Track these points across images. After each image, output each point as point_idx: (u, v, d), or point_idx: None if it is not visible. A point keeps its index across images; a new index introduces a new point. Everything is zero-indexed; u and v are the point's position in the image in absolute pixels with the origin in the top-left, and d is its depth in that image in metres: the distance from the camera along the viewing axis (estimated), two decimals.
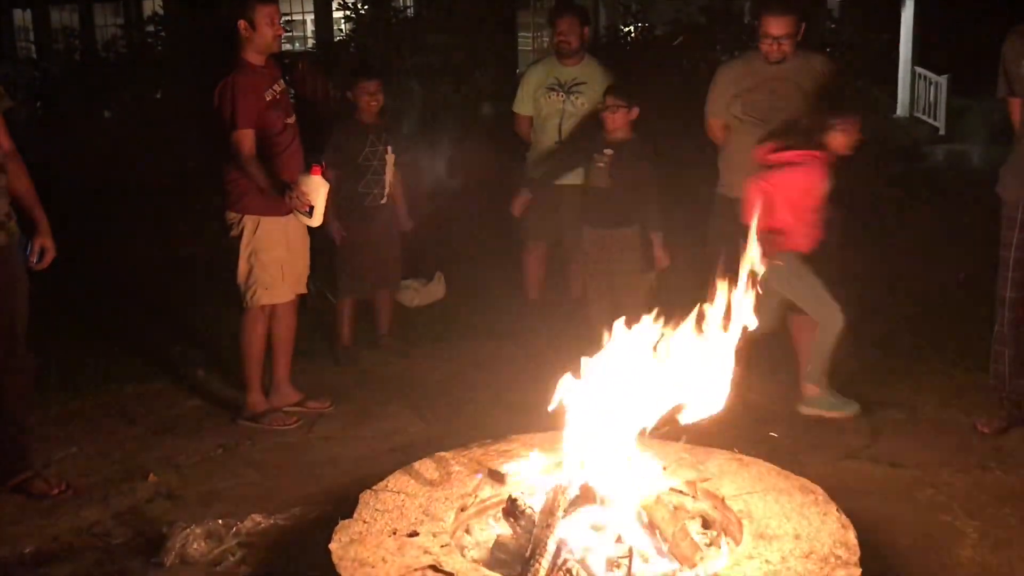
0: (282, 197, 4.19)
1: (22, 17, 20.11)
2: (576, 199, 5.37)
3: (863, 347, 5.43)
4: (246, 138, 4.20)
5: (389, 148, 5.27)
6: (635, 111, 5.00)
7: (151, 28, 11.10)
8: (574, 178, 5.47)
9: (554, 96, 5.52)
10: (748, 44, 6.72)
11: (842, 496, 3.10)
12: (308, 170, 4.23)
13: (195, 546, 3.24)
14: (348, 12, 9.84)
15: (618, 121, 4.98)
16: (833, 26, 12.42)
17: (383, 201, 5.27)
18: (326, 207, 4.33)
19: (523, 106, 5.69)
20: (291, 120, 4.43)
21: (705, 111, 4.80)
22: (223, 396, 4.89)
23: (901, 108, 16.63)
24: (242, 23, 4.26)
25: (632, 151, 5.01)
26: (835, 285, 4.47)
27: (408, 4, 11.80)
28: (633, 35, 12.43)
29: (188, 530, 3.28)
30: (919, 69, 16.38)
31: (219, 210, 4.49)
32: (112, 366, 5.29)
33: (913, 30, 16.96)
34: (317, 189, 4.21)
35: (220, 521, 3.36)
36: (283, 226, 4.37)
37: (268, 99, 4.31)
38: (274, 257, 4.37)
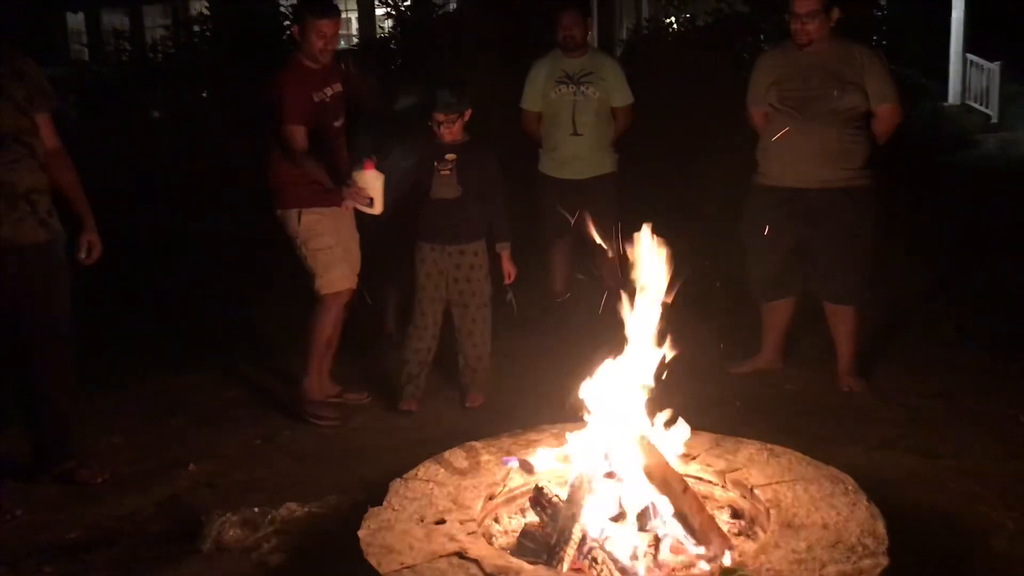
0: (335, 189, 4.26)
1: (75, 20, 20.56)
2: (597, 190, 5.41)
3: (903, 335, 5.38)
4: (298, 133, 4.25)
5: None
6: (467, 113, 4.51)
7: (197, 28, 11.28)
8: (592, 170, 5.52)
9: (564, 88, 5.51)
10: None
11: (876, 486, 3.07)
12: (361, 166, 4.25)
13: (231, 533, 3.31)
14: (389, 9, 9.93)
15: (456, 131, 4.48)
16: (881, 14, 12.24)
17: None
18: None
19: (532, 103, 5.68)
20: (339, 123, 4.48)
21: (746, 101, 4.77)
22: (263, 387, 4.98)
23: (953, 96, 16.33)
24: (295, 28, 4.39)
25: (475, 150, 4.53)
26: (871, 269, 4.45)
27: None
28: (675, 27, 12.37)
29: (224, 518, 3.35)
30: (971, 56, 16.06)
31: (263, 206, 4.56)
32: (155, 359, 5.40)
33: (964, 16, 16.60)
34: (373, 183, 4.25)
35: (256, 509, 3.42)
36: (329, 216, 4.40)
37: (317, 100, 4.35)
38: (323, 244, 4.41)
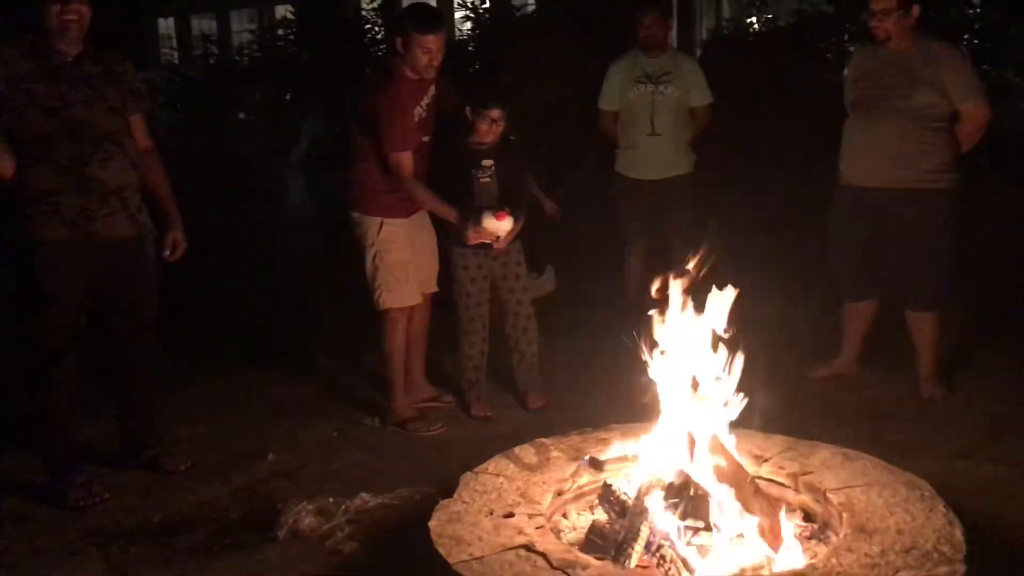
0: (461, 226, 4.19)
1: (165, 25, 21.22)
2: (674, 191, 5.43)
3: (988, 342, 5.23)
4: (404, 159, 4.13)
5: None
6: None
7: (281, 32, 11.55)
8: (670, 170, 5.52)
9: (643, 88, 5.49)
10: None
11: (955, 494, 3.00)
12: (495, 215, 4.16)
13: (307, 522, 3.40)
14: (468, 12, 10.01)
15: (499, 131, 4.32)
16: (973, 12, 11.88)
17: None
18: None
19: (610, 102, 5.67)
20: (427, 139, 4.28)
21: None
22: (340, 382, 5.09)
23: None
24: (398, 40, 4.15)
25: (507, 151, 4.39)
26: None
27: (528, 2, 11.92)
28: (757, 27, 12.21)
29: (300, 507, 3.44)
30: None
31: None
32: (237, 353, 5.55)
33: None
34: (500, 229, 4.19)
35: (331, 499, 3.51)
36: (408, 228, 4.34)
37: (416, 120, 4.19)
38: (398, 259, 4.31)
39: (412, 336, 4.55)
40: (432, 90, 4.27)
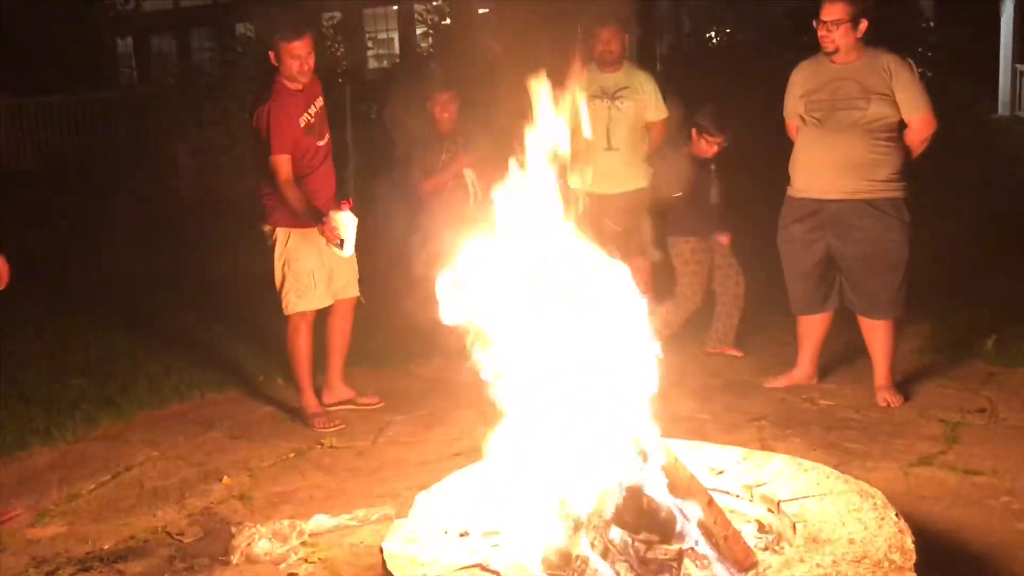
0: (315, 224, 4.38)
1: (123, 45, 21.06)
2: (630, 205, 5.46)
3: (944, 350, 5.29)
4: (283, 163, 4.40)
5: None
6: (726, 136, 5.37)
7: (240, 50, 11.50)
8: (626, 185, 5.55)
9: (599, 103, 5.52)
10: None
11: (911, 502, 3.04)
12: (338, 206, 4.41)
13: (261, 545, 3.35)
14: (428, 28, 10.05)
15: (710, 147, 5.37)
16: (926, 25, 12.09)
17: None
18: None
19: None
20: (323, 142, 4.61)
21: (783, 113, 4.75)
22: (298, 404, 5.03)
23: (1002, 107, 16.06)
24: (271, 54, 4.48)
25: (722, 163, 5.41)
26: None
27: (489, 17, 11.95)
28: (716, 40, 12.34)
29: (254, 530, 3.39)
30: (1020, 67, 15.80)
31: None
32: (196, 375, 5.48)
33: (1013, 27, 16.35)
34: (347, 224, 4.39)
35: (286, 522, 3.47)
36: (315, 237, 4.49)
37: (303, 125, 4.49)
38: (305, 267, 4.56)
39: (332, 339, 4.84)
40: (320, 101, 4.59)
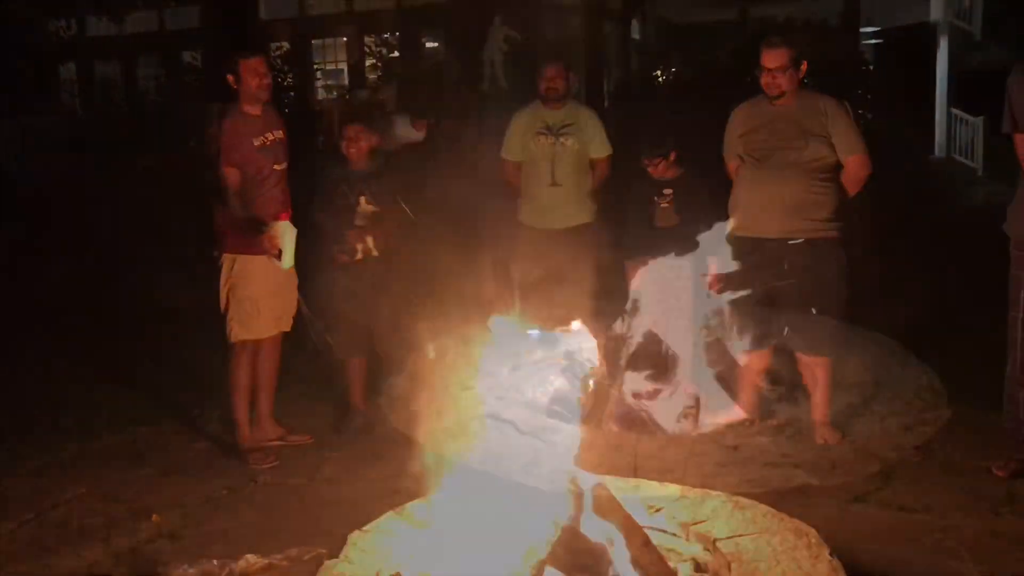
0: (256, 235, 4.40)
1: (66, 71, 20.77)
2: (574, 241, 5.45)
3: (881, 388, 5.35)
4: (230, 175, 4.44)
5: (363, 198, 4.93)
6: (672, 155, 5.40)
7: (187, 79, 11.41)
8: (570, 220, 5.58)
9: (544, 139, 5.57)
10: None
11: (847, 539, 3.04)
12: (277, 216, 4.44)
13: None
14: (376, 60, 10.06)
15: (660, 169, 5.41)
16: (866, 68, 12.39)
17: (358, 256, 4.91)
18: None
19: (512, 152, 5.75)
20: (280, 167, 4.64)
21: (723, 153, 4.81)
22: (234, 440, 4.91)
23: (938, 149, 16.50)
24: (230, 77, 4.53)
25: (688, 183, 5.38)
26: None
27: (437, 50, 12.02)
28: (663, 79, 12.51)
29: (181, 570, 3.29)
30: (955, 111, 16.25)
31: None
32: (127, 409, 5.35)
33: (948, 71, 16.85)
34: (284, 234, 4.40)
35: (215, 561, 3.36)
36: (261, 265, 4.49)
37: (257, 144, 4.53)
38: (249, 294, 4.53)
39: (261, 375, 4.74)
40: (280, 133, 4.65)
